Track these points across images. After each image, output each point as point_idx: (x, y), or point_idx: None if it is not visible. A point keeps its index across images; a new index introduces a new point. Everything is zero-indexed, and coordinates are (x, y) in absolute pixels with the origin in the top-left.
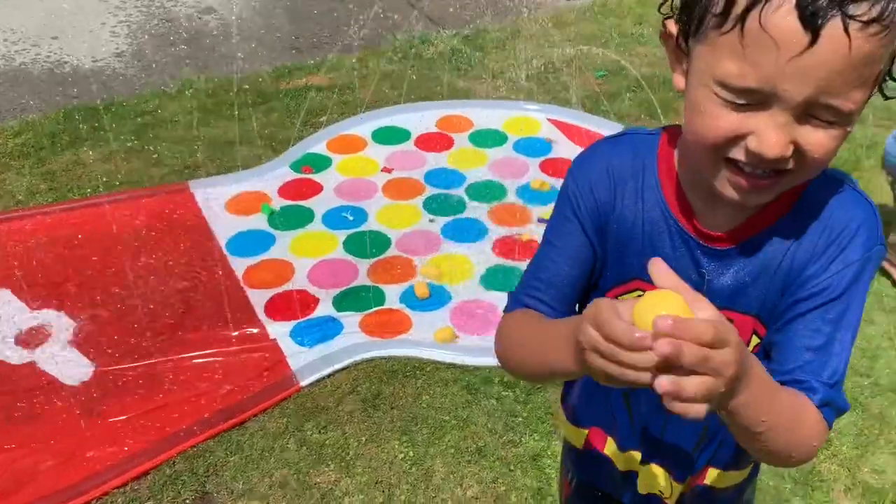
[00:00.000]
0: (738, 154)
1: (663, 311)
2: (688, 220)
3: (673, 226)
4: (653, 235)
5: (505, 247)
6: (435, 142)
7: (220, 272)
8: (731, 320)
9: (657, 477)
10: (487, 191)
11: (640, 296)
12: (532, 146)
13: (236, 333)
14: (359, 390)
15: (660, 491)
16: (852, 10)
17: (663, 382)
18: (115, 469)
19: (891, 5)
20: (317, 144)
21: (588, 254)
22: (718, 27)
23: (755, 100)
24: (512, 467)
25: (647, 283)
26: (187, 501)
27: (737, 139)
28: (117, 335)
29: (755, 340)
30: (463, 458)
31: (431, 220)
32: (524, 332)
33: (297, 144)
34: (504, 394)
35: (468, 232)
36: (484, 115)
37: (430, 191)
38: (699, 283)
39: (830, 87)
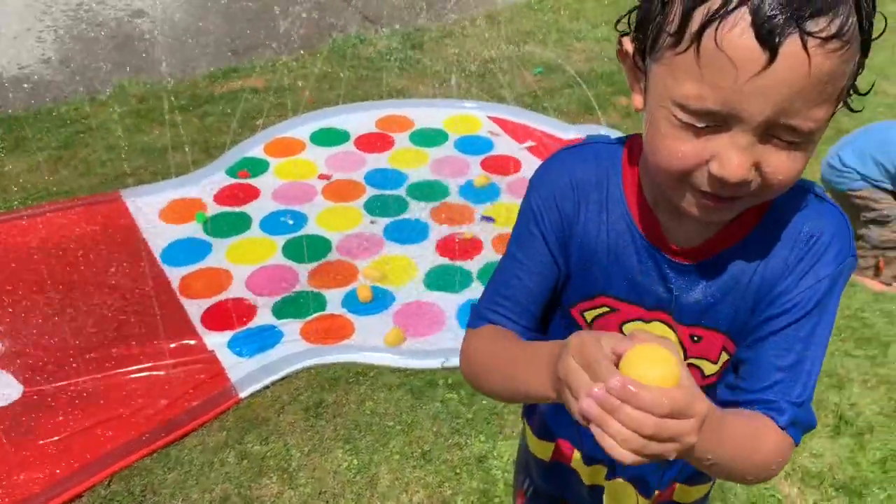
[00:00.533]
0: (700, 178)
1: (648, 369)
2: (654, 234)
3: (639, 240)
4: (618, 250)
5: (448, 246)
6: (375, 142)
7: (155, 283)
8: (700, 337)
9: (624, 492)
10: (429, 190)
11: (608, 312)
12: (473, 144)
13: (172, 346)
14: (300, 399)
15: None
16: (810, 26)
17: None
18: (45, 493)
19: (850, 20)
20: (253, 148)
21: (552, 269)
22: (674, 47)
23: (715, 121)
24: (458, 470)
25: (613, 298)
26: None
27: (699, 165)
28: (46, 353)
29: (724, 357)
30: (408, 464)
31: (373, 222)
32: (495, 355)
33: (233, 149)
34: (449, 396)
35: (410, 232)
36: (424, 114)
37: (370, 192)
38: (667, 300)
39: (791, 106)
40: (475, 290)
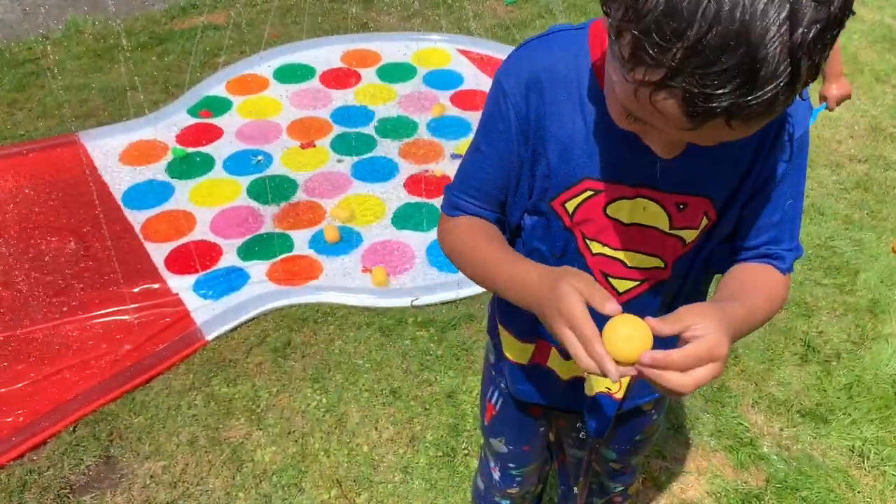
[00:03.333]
0: (645, 139)
1: (627, 340)
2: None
3: (622, 129)
4: (598, 134)
5: (417, 184)
6: (341, 78)
7: (117, 227)
8: (685, 204)
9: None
10: (398, 127)
11: (591, 196)
12: (443, 78)
13: (136, 290)
14: (268, 341)
15: (607, 388)
16: (739, 115)
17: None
18: (9, 440)
19: (779, 105)
20: (215, 86)
21: (518, 160)
22: (622, 67)
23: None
24: (427, 406)
25: (595, 180)
26: (90, 468)
27: (636, 131)
28: (6, 301)
29: (705, 222)
30: (378, 401)
31: (340, 161)
32: (474, 250)
33: (195, 87)
34: (419, 333)
35: (379, 171)
36: (392, 47)
37: (337, 130)
38: (651, 173)
39: (719, 142)
40: None
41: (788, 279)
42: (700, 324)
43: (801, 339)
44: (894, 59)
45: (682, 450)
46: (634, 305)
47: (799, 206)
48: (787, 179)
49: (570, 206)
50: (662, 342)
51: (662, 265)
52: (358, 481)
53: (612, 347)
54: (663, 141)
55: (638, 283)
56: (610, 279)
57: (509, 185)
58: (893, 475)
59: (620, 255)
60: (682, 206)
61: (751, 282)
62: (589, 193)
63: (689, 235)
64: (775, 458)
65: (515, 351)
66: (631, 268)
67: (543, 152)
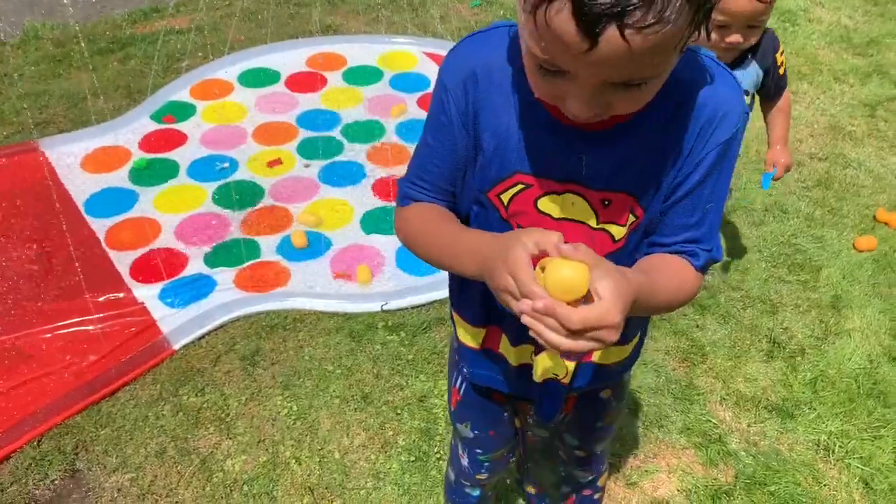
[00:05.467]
0: (563, 107)
1: (563, 282)
2: (556, 108)
3: (547, 117)
4: (527, 128)
5: (385, 188)
6: (307, 82)
7: (79, 236)
8: (610, 201)
9: (549, 361)
10: (364, 131)
11: (523, 189)
12: (409, 81)
13: (101, 299)
14: (236, 349)
15: (554, 374)
16: (628, 19)
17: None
18: None
19: (668, 9)
20: (179, 91)
21: (463, 152)
22: (522, 6)
23: (561, 71)
24: (399, 411)
25: (526, 174)
26: (56, 482)
27: (557, 99)
28: None
29: (631, 219)
30: (349, 407)
31: (307, 166)
32: (428, 234)
33: (158, 93)
34: (389, 338)
35: (346, 175)
36: (357, 50)
37: (303, 134)
38: (577, 170)
39: (622, 72)
40: None
41: (700, 278)
42: (600, 283)
43: (766, 335)
44: (851, 59)
45: (653, 448)
46: None
47: (719, 209)
48: (709, 182)
49: (505, 197)
50: None
51: None
52: (330, 488)
53: (552, 290)
54: (579, 94)
55: None
56: None
57: (457, 176)
58: (858, 468)
59: None
60: (606, 203)
61: (660, 263)
62: (520, 187)
63: (618, 232)
64: (743, 454)
65: (469, 336)
66: None
67: (481, 145)
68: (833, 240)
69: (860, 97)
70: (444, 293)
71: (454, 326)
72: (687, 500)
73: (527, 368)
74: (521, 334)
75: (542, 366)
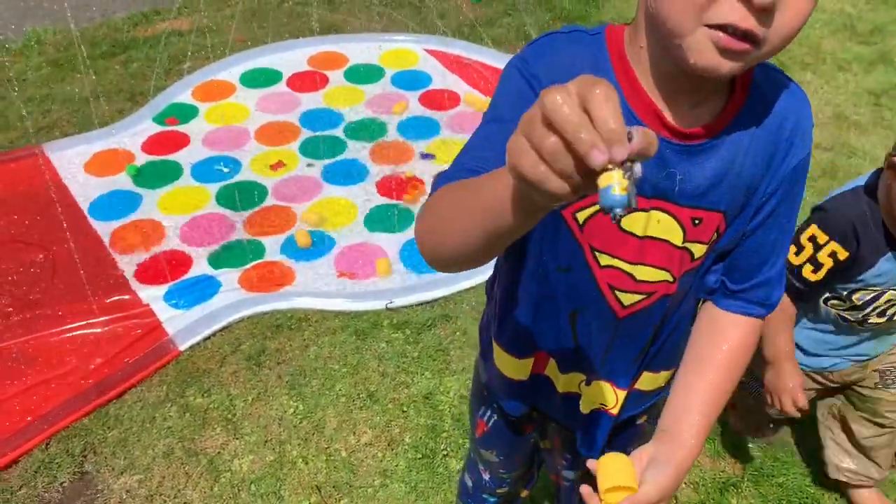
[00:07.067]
0: (720, 9)
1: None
2: (654, 120)
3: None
4: None
5: (388, 185)
6: (308, 81)
7: (84, 239)
8: (700, 219)
9: (602, 392)
10: (367, 129)
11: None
12: (410, 79)
13: (106, 302)
14: (242, 349)
15: (602, 403)
16: None
17: None
18: None
19: None
20: (181, 93)
21: None
22: None
23: None
24: (405, 408)
25: None
26: (65, 485)
27: (704, 11)
28: None
29: (714, 237)
30: (355, 405)
31: (310, 165)
32: (452, 196)
33: (160, 95)
34: (394, 336)
35: (349, 174)
36: (358, 49)
37: (306, 134)
38: (668, 185)
39: None
40: None
41: (759, 324)
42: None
43: None
44: (855, 48)
45: None
46: (636, 319)
47: (787, 245)
48: (785, 203)
49: (581, 216)
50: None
51: (671, 279)
52: (337, 487)
53: (605, 481)
54: None
55: (645, 296)
56: (617, 292)
57: None
58: None
59: (631, 268)
60: (696, 221)
61: (724, 364)
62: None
63: (699, 250)
64: (751, 445)
65: (513, 368)
66: (640, 281)
67: None
68: None
69: (865, 86)
70: (448, 290)
71: (484, 360)
72: (695, 492)
73: (572, 397)
74: (571, 361)
75: (591, 398)
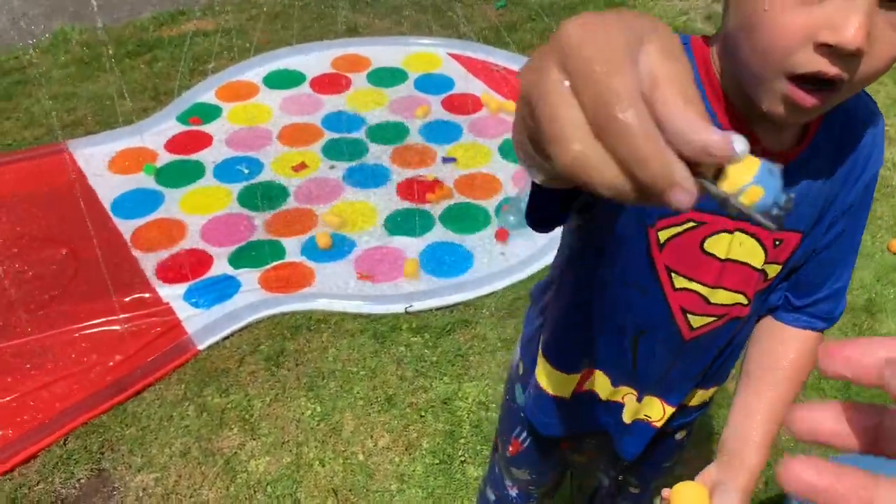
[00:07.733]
0: (802, 58)
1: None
2: (747, 137)
3: None
4: None
5: (409, 189)
6: (331, 83)
7: (106, 236)
8: (782, 241)
9: (650, 406)
10: (389, 132)
11: (692, 228)
12: (434, 82)
13: (126, 300)
14: (261, 349)
15: (647, 415)
16: None
17: None
18: None
19: None
20: (205, 93)
21: None
22: None
23: None
24: (423, 413)
25: (703, 212)
26: (82, 481)
27: (806, 39)
28: None
29: (789, 256)
30: (373, 409)
31: (332, 167)
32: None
33: (184, 95)
34: (413, 339)
35: (371, 176)
36: (382, 52)
37: (328, 135)
38: None
39: None
40: (437, 234)
41: (821, 337)
42: None
43: None
44: None
45: None
46: (702, 341)
47: (852, 262)
48: (854, 219)
49: (663, 235)
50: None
51: (745, 301)
52: (354, 490)
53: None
54: (856, 6)
55: (716, 318)
56: (688, 315)
57: None
58: None
59: (707, 291)
60: (777, 243)
61: (785, 383)
62: (690, 225)
63: (773, 270)
64: None
65: (557, 385)
66: (714, 304)
67: None
68: (867, 242)
69: (895, 96)
70: (467, 295)
71: (521, 377)
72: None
73: (616, 406)
74: (626, 378)
75: (635, 409)
